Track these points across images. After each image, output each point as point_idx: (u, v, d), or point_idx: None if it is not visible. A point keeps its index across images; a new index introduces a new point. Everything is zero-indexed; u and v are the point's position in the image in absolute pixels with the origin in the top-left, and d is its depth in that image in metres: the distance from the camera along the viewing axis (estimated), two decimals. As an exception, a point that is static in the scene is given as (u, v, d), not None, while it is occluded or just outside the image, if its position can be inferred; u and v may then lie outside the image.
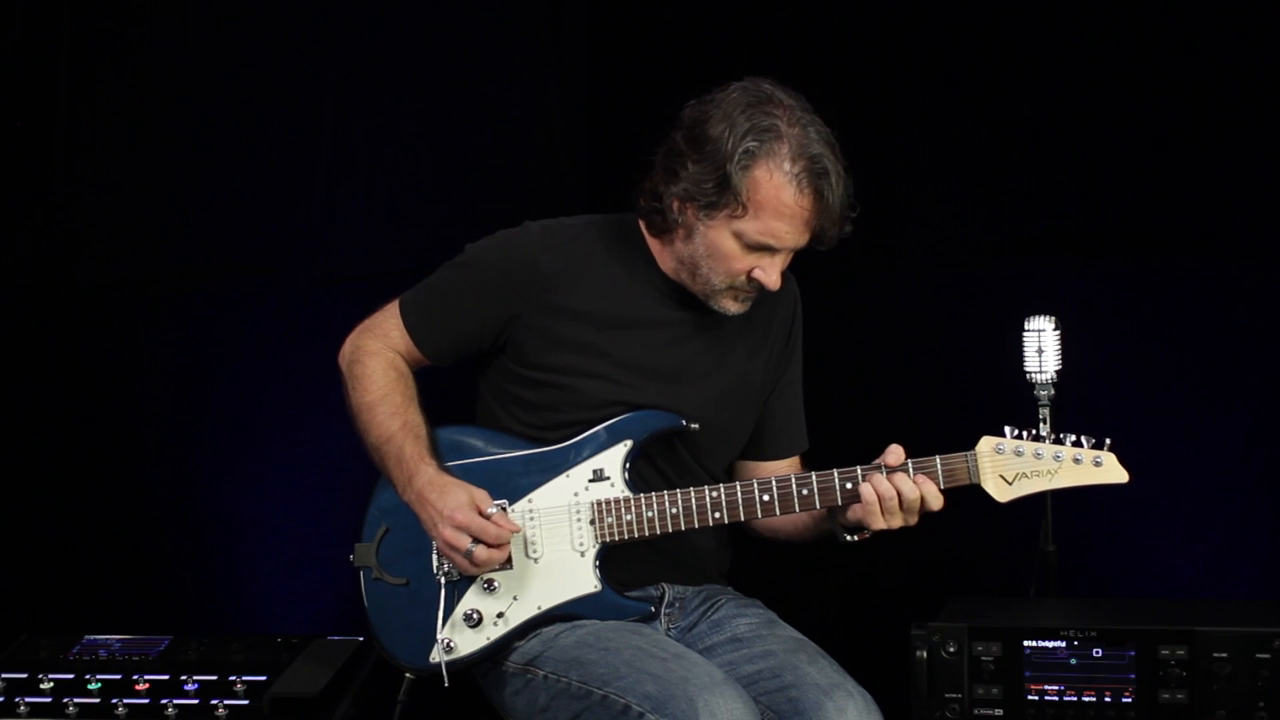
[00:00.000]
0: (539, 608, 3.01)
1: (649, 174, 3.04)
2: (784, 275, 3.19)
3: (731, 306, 3.04)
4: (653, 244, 3.10)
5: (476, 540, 2.93)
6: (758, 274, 2.98)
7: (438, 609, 3.02)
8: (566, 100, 4.13)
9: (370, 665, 3.40)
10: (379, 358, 3.10)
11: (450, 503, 2.95)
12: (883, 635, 3.53)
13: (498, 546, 2.95)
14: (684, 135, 2.98)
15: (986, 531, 3.77)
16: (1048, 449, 2.94)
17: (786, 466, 3.22)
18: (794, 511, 2.99)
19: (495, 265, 3.09)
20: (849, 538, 3.04)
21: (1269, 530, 3.88)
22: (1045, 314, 3.54)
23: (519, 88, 4.14)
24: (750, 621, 3.08)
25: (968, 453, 2.95)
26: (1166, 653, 3.10)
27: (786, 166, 2.91)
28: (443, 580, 3.03)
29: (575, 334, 3.05)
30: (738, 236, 2.96)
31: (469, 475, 3.02)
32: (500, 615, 3.01)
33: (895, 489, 2.92)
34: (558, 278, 3.06)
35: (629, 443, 3.03)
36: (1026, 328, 3.55)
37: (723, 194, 2.93)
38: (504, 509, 3.01)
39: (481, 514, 2.94)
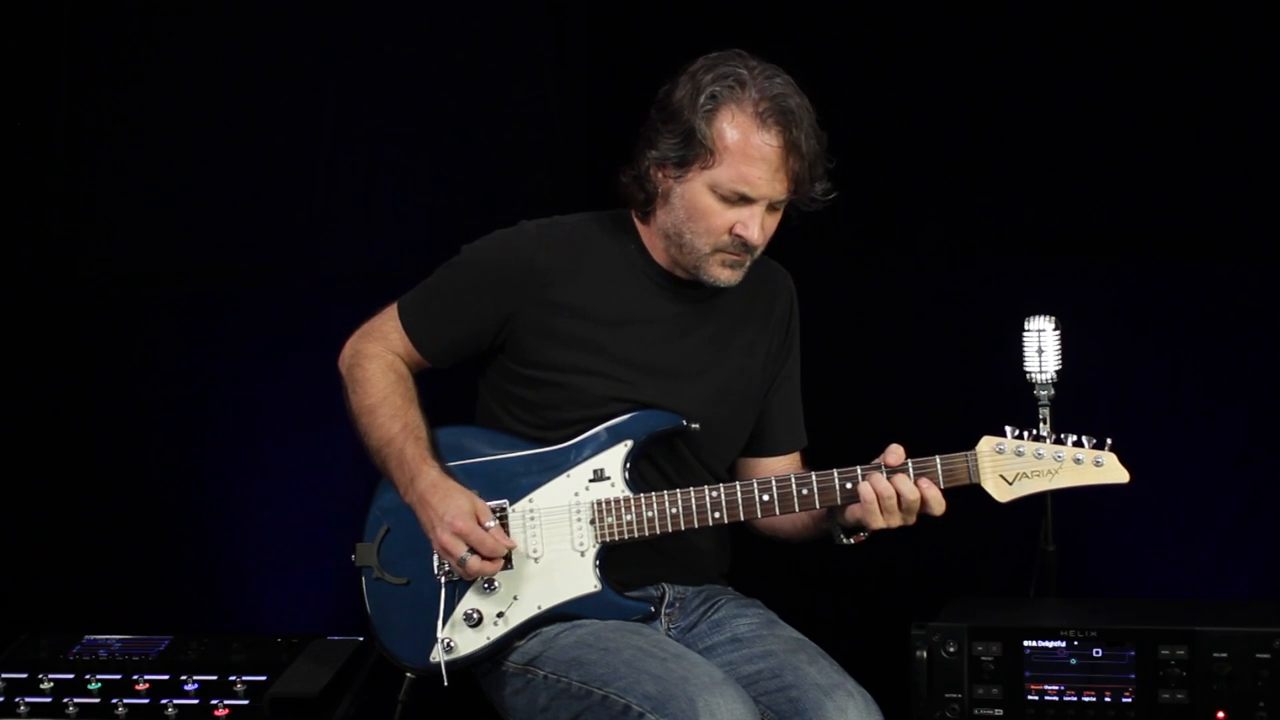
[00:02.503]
0: (539, 607, 3.01)
1: (630, 160, 3.07)
2: (778, 271, 3.21)
3: (722, 274, 3.03)
4: (644, 233, 3.11)
5: (472, 550, 2.93)
6: (739, 229, 2.97)
7: (438, 609, 3.02)
8: (566, 100, 4.13)
9: (370, 665, 3.40)
10: (379, 360, 3.10)
11: (451, 508, 2.94)
12: (883, 635, 3.53)
13: (491, 559, 2.95)
14: (655, 108, 3.02)
15: (986, 531, 3.77)
16: (1048, 449, 2.94)
17: (787, 463, 3.22)
18: (794, 511, 2.99)
19: (491, 264, 3.09)
20: (846, 539, 3.04)
21: (1269, 530, 3.88)
22: (1045, 314, 3.54)
23: (519, 88, 4.14)
24: (750, 621, 3.08)
25: (968, 452, 2.95)
26: (1166, 653, 3.10)
27: (750, 108, 2.93)
28: (443, 580, 3.03)
29: (573, 330, 3.05)
30: (713, 189, 2.96)
31: (470, 475, 3.03)
32: (500, 615, 3.01)
33: (895, 489, 2.92)
34: (554, 275, 3.06)
35: (629, 443, 3.02)
36: (1026, 328, 3.55)
37: (691, 146, 2.94)
38: (505, 509, 3.01)
39: (481, 524, 2.94)
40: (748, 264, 3.03)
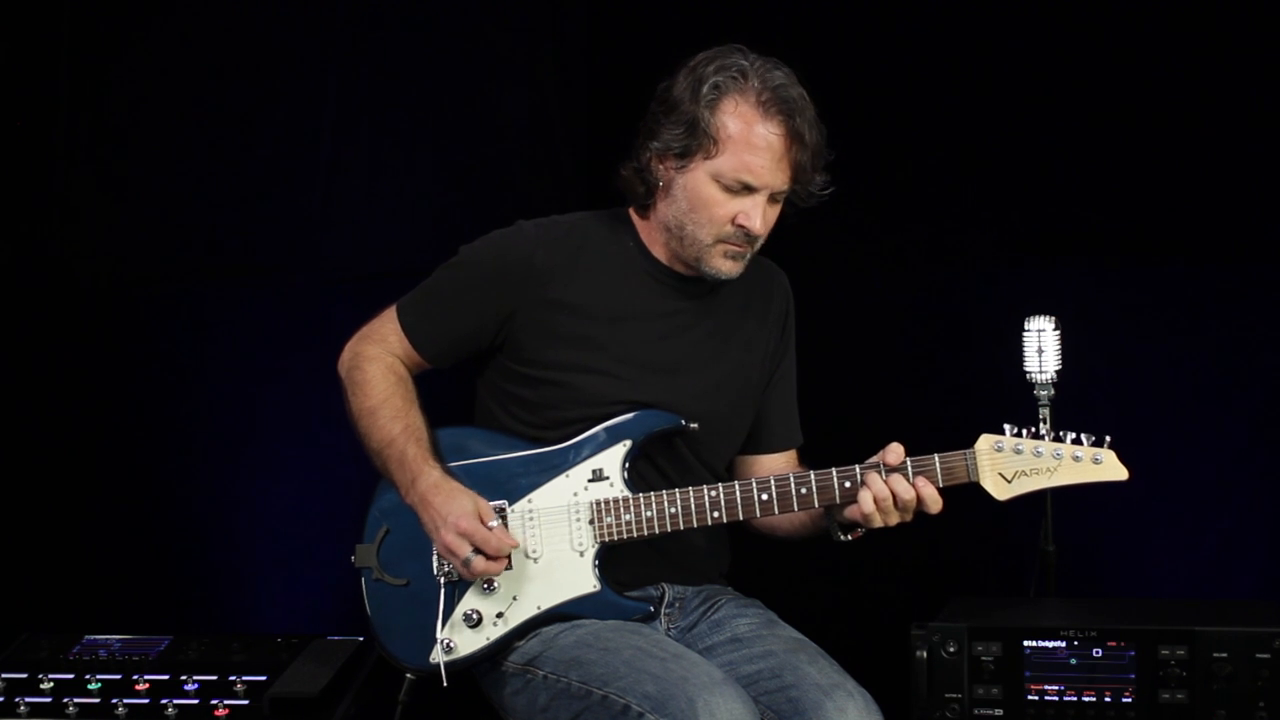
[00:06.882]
0: (538, 608, 3.01)
1: (630, 153, 3.08)
2: (774, 269, 3.21)
3: (724, 266, 3.03)
4: (643, 229, 3.11)
5: (477, 550, 2.93)
6: (741, 219, 2.98)
7: (437, 609, 3.02)
8: (566, 100, 4.13)
9: (370, 665, 3.40)
10: (378, 363, 3.10)
11: (455, 509, 2.94)
12: (883, 635, 3.53)
13: (496, 558, 2.95)
14: (656, 102, 3.04)
15: (986, 531, 3.77)
16: (1047, 447, 2.94)
17: (783, 461, 3.22)
18: (793, 510, 3.00)
19: (489, 264, 3.09)
20: (844, 536, 3.04)
21: (1269, 530, 3.88)
22: (1045, 314, 3.54)
23: (519, 88, 4.14)
24: (750, 621, 3.08)
25: (966, 450, 2.95)
26: (1166, 653, 3.10)
27: (753, 97, 2.95)
28: (443, 581, 3.03)
29: (573, 329, 3.05)
30: (715, 179, 2.97)
31: (469, 476, 3.03)
32: (500, 615, 3.01)
33: (890, 490, 2.92)
34: (553, 273, 3.06)
35: (628, 442, 3.02)
36: (1026, 328, 3.55)
37: (694, 136, 2.96)
38: (505, 510, 3.01)
39: (484, 524, 2.94)
40: (749, 255, 3.04)
